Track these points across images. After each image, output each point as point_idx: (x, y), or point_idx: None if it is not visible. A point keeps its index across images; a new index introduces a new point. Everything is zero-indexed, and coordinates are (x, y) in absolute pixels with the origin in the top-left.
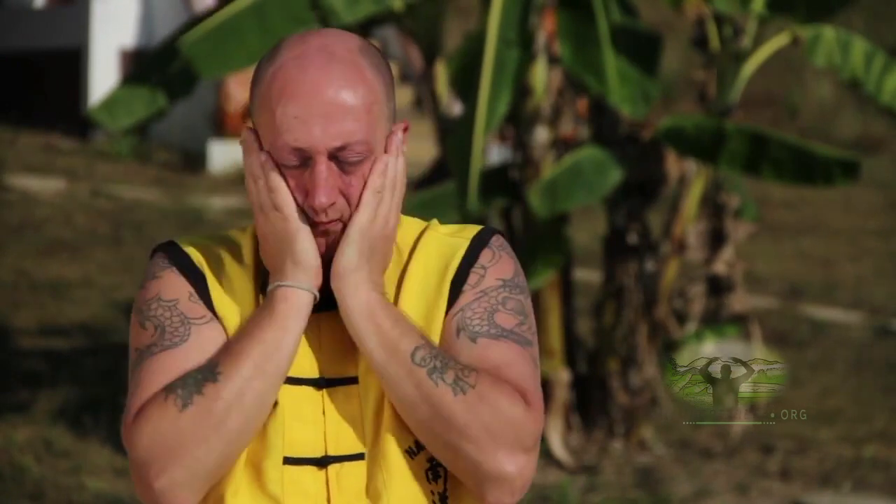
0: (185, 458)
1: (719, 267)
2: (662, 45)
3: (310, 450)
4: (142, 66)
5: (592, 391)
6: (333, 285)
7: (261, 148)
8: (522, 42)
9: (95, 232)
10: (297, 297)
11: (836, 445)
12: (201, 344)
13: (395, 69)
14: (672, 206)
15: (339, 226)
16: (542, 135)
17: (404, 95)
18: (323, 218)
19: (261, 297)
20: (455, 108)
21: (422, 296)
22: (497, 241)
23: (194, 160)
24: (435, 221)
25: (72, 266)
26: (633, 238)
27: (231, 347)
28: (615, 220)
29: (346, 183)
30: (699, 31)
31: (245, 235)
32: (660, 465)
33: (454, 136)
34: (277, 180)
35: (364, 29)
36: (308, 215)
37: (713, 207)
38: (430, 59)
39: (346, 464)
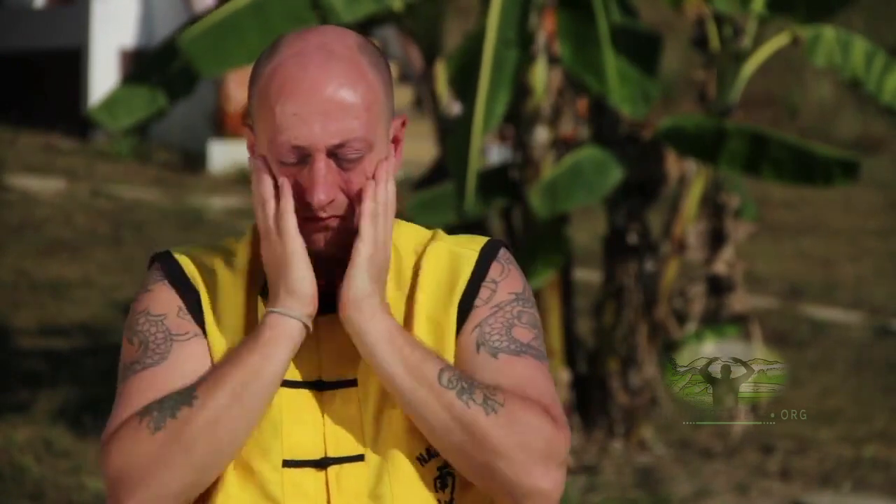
0: (152, 481)
1: (719, 267)
2: (662, 45)
3: (309, 452)
4: (142, 66)
5: (592, 391)
6: (347, 314)
7: (268, 168)
8: (521, 42)
9: (95, 232)
10: (284, 325)
11: (836, 445)
12: (181, 362)
13: (395, 69)
14: (672, 206)
15: (338, 221)
16: (542, 135)
17: (404, 95)
18: (322, 214)
19: (259, 305)
20: (455, 108)
21: (432, 311)
22: (504, 254)
23: (194, 160)
24: (440, 231)
25: (72, 266)
26: (633, 238)
27: (213, 372)
28: (615, 220)
29: (344, 179)
30: (699, 31)
31: (241, 244)
32: (660, 465)
33: (453, 136)
34: (289, 206)
35: (364, 29)
36: (307, 211)
37: (713, 207)
38: (430, 59)
39: (346, 465)
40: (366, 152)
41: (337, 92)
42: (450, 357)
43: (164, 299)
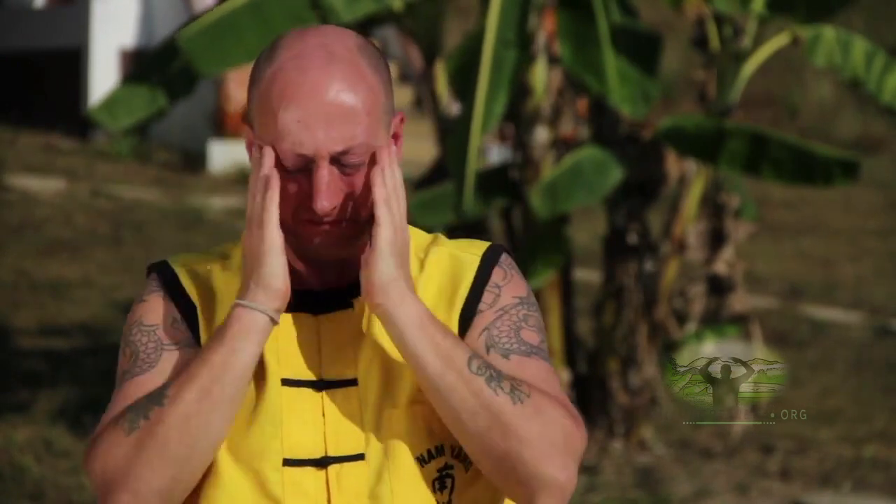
0: (132, 482)
1: (719, 267)
2: (662, 45)
3: (309, 451)
4: (142, 66)
5: (592, 391)
6: (375, 301)
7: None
8: (521, 42)
9: (95, 232)
10: (250, 319)
11: (836, 445)
12: (170, 371)
13: (394, 69)
14: (672, 206)
15: (341, 224)
16: (542, 135)
17: (404, 95)
18: (326, 220)
19: None
20: (454, 108)
21: (437, 304)
22: (507, 259)
23: (194, 160)
24: (441, 235)
25: (72, 266)
26: (633, 238)
27: (183, 370)
28: (615, 220)
29: (347, 184)
30: (699, 31)
31: (237, 248)
32: (660, 465)
33: (452, 136)
34: (273, 200)
35: (364, 28)
36: (310, 215)
37: (713, 207)
38: (429, 59)
39: (346, 464)
40: (368, 157)
41: (338, 96)
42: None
43: (158, 310)
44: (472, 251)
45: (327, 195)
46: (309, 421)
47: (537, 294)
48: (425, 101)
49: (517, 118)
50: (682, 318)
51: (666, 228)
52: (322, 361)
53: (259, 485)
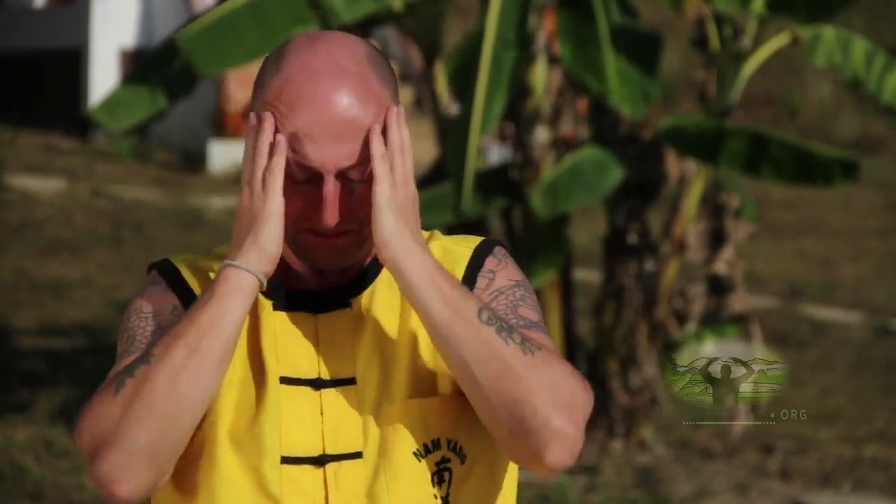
0: (121, 440)
1: (719, 267)
2: (662, 45)
3: (307, 449)
4: (142, 66)
5: (592, 391)
6: (382, 256)
7: (267, 126)
8: (520, 43)
9: (95, 232)
10: (239, 279)
11: (836, 445)
12: None
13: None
14: (672, 206)
15: (346, 236)
16: (542, 135)
17: (404, 95)
18: (332, 232)
19: (258, 298)
20: (454, 108)
21: None
22: (500, 251)
23: (194, 160)
24: (437, 231)
25: (72, 266)
26: (633, 238)
27: (171, 330)
28: (615, 220)
29: (352, 197)
30: (699, 31)
31: None
32: (660, 465)
33: (451, 135)
34: (280, 165)
35: (364, 29)
36: (316, 227)
37: (713, 207)
38: (430, 59)
39: (345, 462)
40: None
41: (347, 111)
42: None
43: (158, 299)
44: (465, 244)
45: (332, 210)
46: (307, 419)
47: (537, 294)
48: (425, 101)
49: (517, 118)
50: (682, 318)
51: (666, 228)
52: (320, 360)
53: (258, 482)
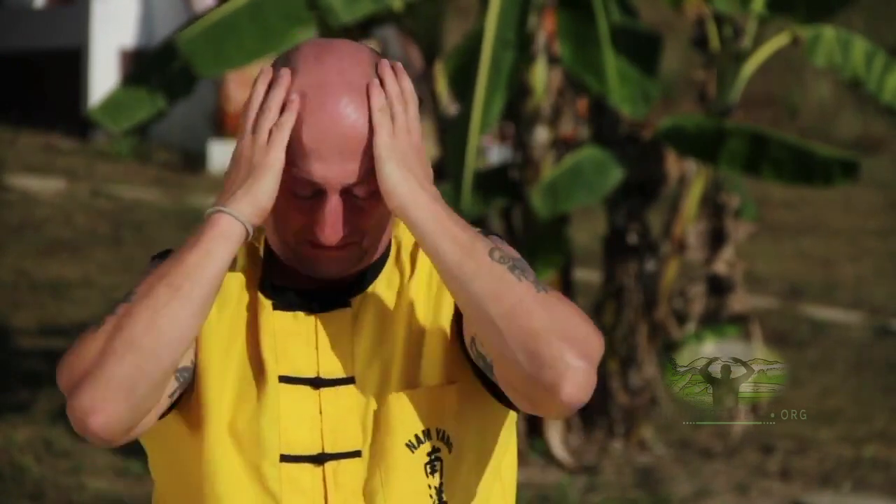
0: (98, 372)
1: (719, 267)
2: (662, 45)
3: (306, 448)
4: (142, 66)
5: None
6: (391, 205)
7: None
8: (519, 43)
9: (95, 232)
10: (227, 224)
11: (836, 445)
12: None
13: None
14: (672, 206)
15: (348, 249)
16: (542, 135)
17: None
18: (334, 245)
19: (259, 298)
20: (454, 108)
21: (430, 284)
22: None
23: (194, 160)
24: None
25: (72, 266)
26: (633, 238)
27: (154, 271)
28: (615, 220)
29: (355, 213)
30: (699, 31)
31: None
32: (660, 465)
33: (450, 135)
34: (289, 122)
35: (364, 29)
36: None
37: (713, 207)
38: (429, 59)
39: (343, 461)
40: (378, 188)
41: (354, 128)
42: (450, 311)
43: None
44: None
45: (334, 226)
46: (306, 418)
47: None
48: (425, 101)
49: (517, 118)
50: (682, 318)
51: (666, 228)
52: (320, 359)
53: (257, 480)
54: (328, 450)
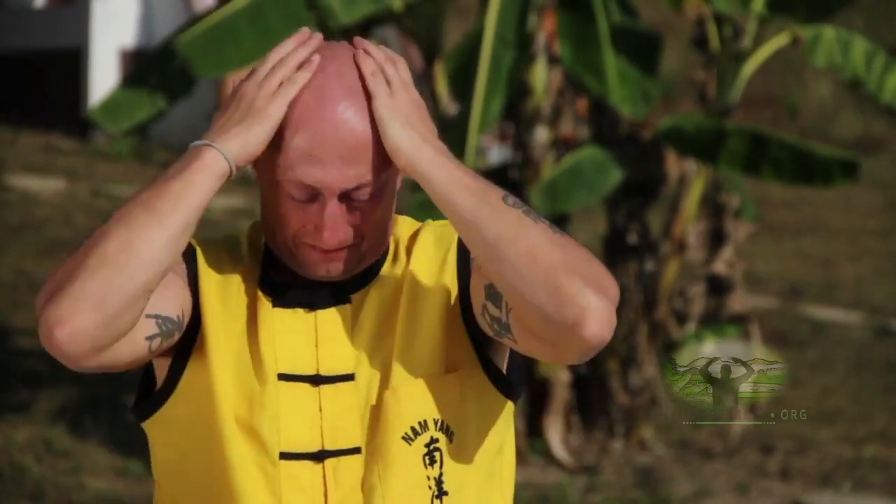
0: (69, 286)
1: (719, 267)
2: (662, 45)
3: (306, 445)
4: (141, 66)
5: (592, 391)
6: (399, 164)
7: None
8: (519, 43)
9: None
10: (213, 159)
11: (836, 445)
12: None
13: None
14: (672, 206)
15: (346, 251)
16: (542, 135)
17: None
18: (332, 248)
19: (259, 296)
20: (453, 107)
21: (426, 281)
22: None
23: None
24: (431, 221)
25: None
26: (633, 238)
27: (134, 196)
28: (615, 220)
29: (354, 216)
30: (699, 31)
31: (243, 234)
32: (660, 465)
33: (450, 135)
34: (303, 79)
35: (364, 29)
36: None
37: (713, 207)
38: (429, 59)
39: (343, 458)
40: (377, 190)
41: (353, 133)
42: (452, 292)
43: None
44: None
45: (333, 230)
46: (306, 415)
47: None
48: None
49: (517, 118)
50: (682, 318)
51: (666, 228)
52: (319, 356)
53: (257, 478)
54: (328, 447)
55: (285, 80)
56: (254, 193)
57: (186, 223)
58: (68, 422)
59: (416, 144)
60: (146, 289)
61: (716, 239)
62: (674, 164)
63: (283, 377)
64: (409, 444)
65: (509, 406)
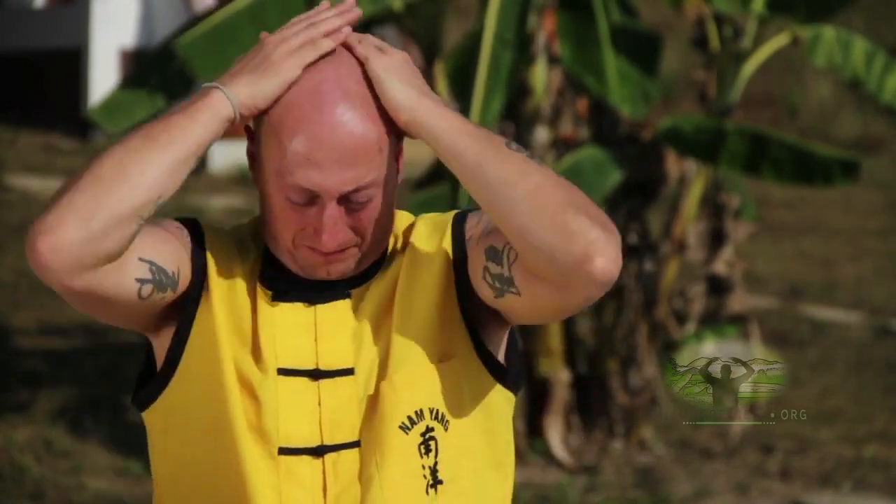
0: (57, 202)
1: (719, 267)
2: (662, 45)
3: (305, 440)
4: (141, 66)
5: (592, 391)
6: (402, 121)
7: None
8: (519, 42)
9: None
10: (218, 100)
11: (836, 445)
12: (156, 229)
13: None
14: (672, 206)
15: (346, 252)
16: (542, 135)
17: None
18: (332, 250)
19: (258, 289)
20: (453, 107)
21: (421, 268)
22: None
23: None
24: (425, 215)
25: None
26: (633, 238)
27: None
28: (615, 220)
29: (353, 218)
30: (699, 31)
31: (247, 226)
32: (660, 465)
33: None
34: (325, 47)
35: (364, 29)
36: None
37: (713, 207)
38: (430, 59)
39: (343, 452)
40: (376, 192)
41: (351, 136)
42: (448, 274)
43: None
44: (450, 213)
45: (332, 233)
46: (305, 410)
47: None
48: None
49: (517, 118)
50: (682, 318)
51: (666, 228)
52: (318, 351)
53: (256, 473)
54: (327, 441)
55: (308, 42)
56: (253, 193)
57: (183, 157)
58: (68, 422)
59: (415, 97)
60: (135, 213)
61: (716, 239)
62: (674, 164)
63: (283, 372)
64: (406, 434)
65: (507, 396)
